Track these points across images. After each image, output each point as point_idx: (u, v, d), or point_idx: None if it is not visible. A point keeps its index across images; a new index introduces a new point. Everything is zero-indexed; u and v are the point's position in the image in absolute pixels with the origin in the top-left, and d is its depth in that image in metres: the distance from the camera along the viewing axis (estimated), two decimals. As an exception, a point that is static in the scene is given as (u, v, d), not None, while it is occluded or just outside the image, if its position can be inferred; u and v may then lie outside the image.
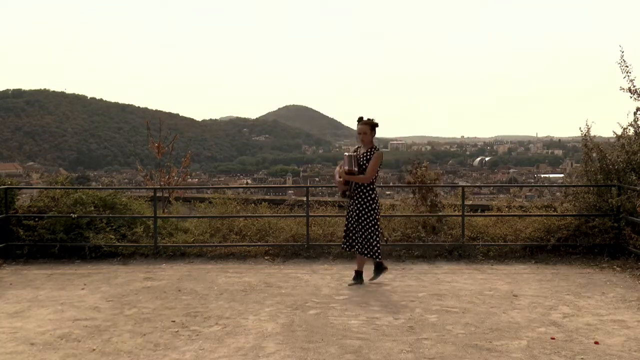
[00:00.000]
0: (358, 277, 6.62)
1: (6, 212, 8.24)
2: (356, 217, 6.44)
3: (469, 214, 8.60)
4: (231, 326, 5.06)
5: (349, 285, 6.54)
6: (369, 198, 6.40)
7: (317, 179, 60.25)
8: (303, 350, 4.42)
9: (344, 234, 6.67)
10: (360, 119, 6.53)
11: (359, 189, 6.43)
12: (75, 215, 8.20)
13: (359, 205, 6.43)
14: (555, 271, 7.22)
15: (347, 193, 6.49)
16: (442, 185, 9.75)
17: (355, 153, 6.48)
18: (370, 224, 6.39)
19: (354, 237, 6.51)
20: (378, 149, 6.51)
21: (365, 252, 6.43)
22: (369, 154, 6.42)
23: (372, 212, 6.40)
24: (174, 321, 5.23)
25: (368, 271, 6.66)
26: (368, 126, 6.48)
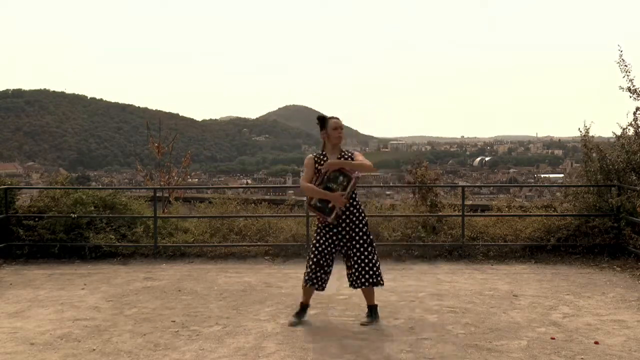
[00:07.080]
0: (374, 312, 5.13)
1: (6, 212, 8.24)
2: (355, 239, 4.90)
3: (469, 214, 8.61)
4: (231, 326, 5.06)
5: (362, 324, 5.01)
6: (361, 209, 4.96)
7: (317, 179, 60.04)
8: (303, 350, 4.42)
9: (319, 268, 4.91)
10: (323, 118, 5.00)
11: (352, 201, 4.89)
12: (75, 215, 8.21)
13: (355, 221, 4.91)
14: (555, 271, 7.22)
15: (338, 212, 4.77)
16: (442, 185, 9.74)
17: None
18: (372, 244, 4.97)
19: (351, 268, 4.96)
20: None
21: (376, 280, 4.95)
22: (346, 155, 4.95)
23: (368, 228, 5.00)
24: (174, 321, 5.23)
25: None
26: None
